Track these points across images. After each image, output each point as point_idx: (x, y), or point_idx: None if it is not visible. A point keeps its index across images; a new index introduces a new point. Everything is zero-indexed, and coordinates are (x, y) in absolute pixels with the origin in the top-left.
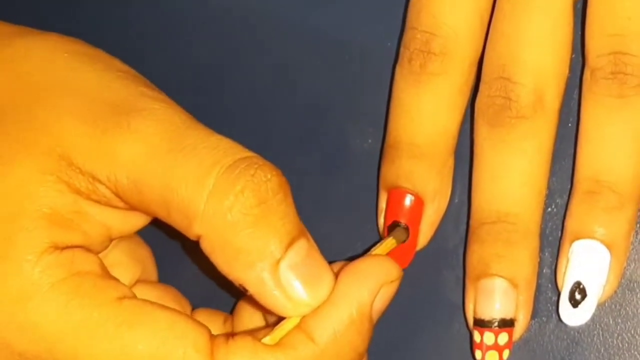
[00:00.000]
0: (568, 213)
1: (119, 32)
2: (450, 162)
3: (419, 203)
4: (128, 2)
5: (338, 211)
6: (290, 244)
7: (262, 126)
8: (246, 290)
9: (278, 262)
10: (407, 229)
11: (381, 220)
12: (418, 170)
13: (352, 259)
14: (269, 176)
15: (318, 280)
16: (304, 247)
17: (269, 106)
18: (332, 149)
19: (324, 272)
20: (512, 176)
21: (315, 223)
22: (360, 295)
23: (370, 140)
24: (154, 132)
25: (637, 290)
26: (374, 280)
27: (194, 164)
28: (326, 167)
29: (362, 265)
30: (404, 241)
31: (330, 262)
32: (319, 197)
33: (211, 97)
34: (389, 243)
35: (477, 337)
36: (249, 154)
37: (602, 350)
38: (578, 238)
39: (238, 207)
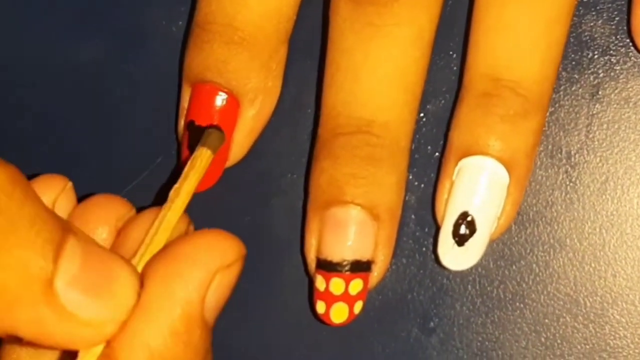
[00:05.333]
0: (454, 122)
1: None
2: (282, 52)
3: (233, 104)
4: None
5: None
6: (57, 253)
7: None
8: (22, 339)
9: (50, 283)
10: (221, 131)
11: (181, 123)
12: (235, 60)
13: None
14: None
15: (112, 285)
16: (77, 250)
17: None
18: (126, 27)
19: (118, 270)
20: (381, 73)
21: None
22: (184, 294)
23: (180, 23)
24: None
25: (527, 225)
26: (202, 270)
27: None
28: (118, 51)
29: (181, 250)
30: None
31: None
32: (116, 86)
33: None
34: (204, 157)
35: (320, 283)
36: None
37: (477, 303)
38: (467, 155)
39: None
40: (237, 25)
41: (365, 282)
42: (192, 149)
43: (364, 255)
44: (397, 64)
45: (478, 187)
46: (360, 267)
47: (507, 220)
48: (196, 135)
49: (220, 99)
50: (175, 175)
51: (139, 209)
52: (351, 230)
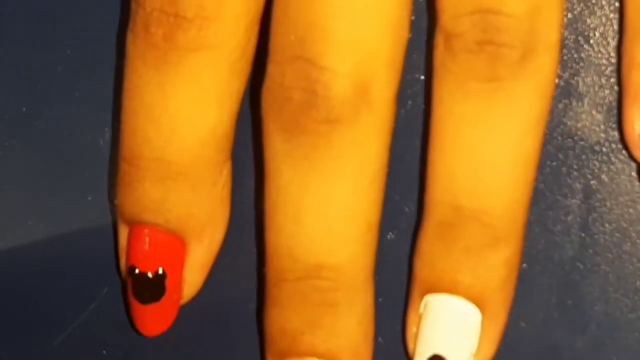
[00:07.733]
0: (417, 250)
1: None
2: (227, 170)
3: (177, 245)
4: None
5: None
6: None
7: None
8: None
9: None
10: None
11: (122, 262)
12: (173, 197)
13: None
14: None
15: None
16: None
17: None
18: (48, 145)
19: None
20: (323, 211)
21: None
22: None
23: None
24: None
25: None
26: None
27: None
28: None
29: None
30: None
31: None
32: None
33: None
34: None
35: None
36: None
37: None
38: (432, 291)
39: None
40: (169, 158)
41: None
42: (138, 298)
43: None
44: (341, 199)
45: (446, 328)
46: None
47: (485, 358)
48: (140, 283)
49: (162, 242)
50: None
51: None
52: None
